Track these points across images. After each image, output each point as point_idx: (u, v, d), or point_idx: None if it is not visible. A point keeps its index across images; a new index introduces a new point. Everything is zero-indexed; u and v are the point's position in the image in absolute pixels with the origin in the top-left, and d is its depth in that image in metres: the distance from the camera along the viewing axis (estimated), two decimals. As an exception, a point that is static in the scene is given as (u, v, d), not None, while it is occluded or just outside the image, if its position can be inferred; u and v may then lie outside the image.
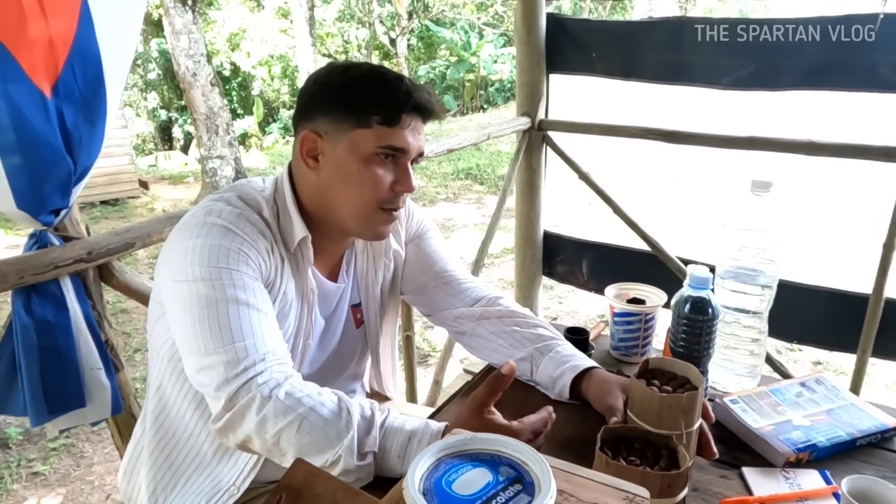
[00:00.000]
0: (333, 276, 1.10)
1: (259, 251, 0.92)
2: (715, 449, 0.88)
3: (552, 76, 2.51)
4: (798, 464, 0.91)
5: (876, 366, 2.80)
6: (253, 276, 0.91)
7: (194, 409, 0.99)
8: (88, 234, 1.28)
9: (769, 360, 2.18)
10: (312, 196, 0.99)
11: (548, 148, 2.56)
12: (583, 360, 1.05)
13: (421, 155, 0.99)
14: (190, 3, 6.49)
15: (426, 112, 0.95)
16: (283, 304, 0.98)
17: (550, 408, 0.92)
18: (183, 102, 11.34)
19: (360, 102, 0.92)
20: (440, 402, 1.16)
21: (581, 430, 0.97)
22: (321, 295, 1.07)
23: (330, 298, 1.10)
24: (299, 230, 0.97)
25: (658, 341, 1.24)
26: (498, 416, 0.87)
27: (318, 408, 0.84)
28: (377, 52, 15.91)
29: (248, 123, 13.42)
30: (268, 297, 0.93)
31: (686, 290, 1.00)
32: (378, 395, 1.34)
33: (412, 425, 0.87)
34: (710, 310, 0.98)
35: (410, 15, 14.85)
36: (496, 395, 0.87)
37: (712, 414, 0.93)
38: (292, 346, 1.03)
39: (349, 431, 0.83)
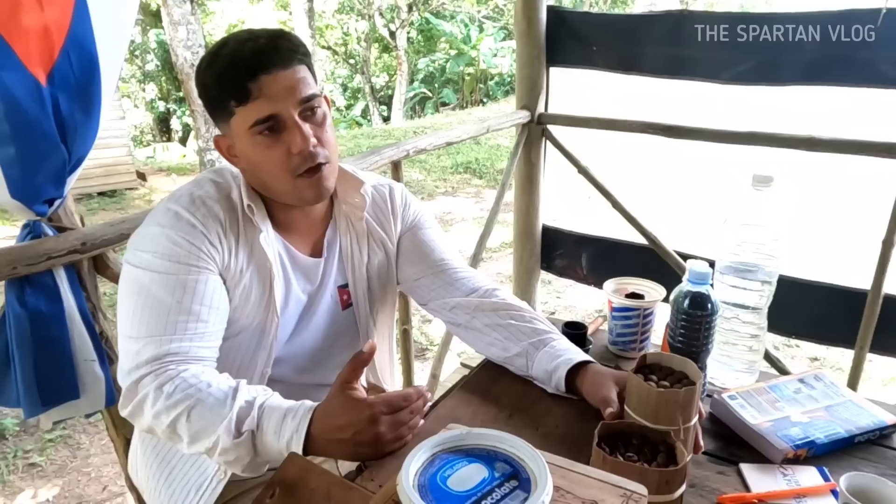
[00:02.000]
0: (317, 254, 1.10)
1: (209, 237, 0.94)
2: (702, 442, 0.88)
3: (552, 70, 2.50)
4: (796, 460, 0.90)
5: (873, 362, 2.80)
6: (203, 267, 0.93)
7: None
8: (83, 224, 1.27)
9: (767, 357, 2.18)
10: (251, 183, 1.01)
11: (547, 142, 2.55)
12: (577, 354, 1.04)
13: (311, 99, 0.93)
14: (188, -7, 6.45)
15: (274, 64, 0.90)
16: (242, 280, 1.00)
17: (423, 387, 0.92)
18: (181, 94, 11.31)
19: (212, 99, 0.94)
20: (437, 395, 1.16)
21: (578, 426, 0.96)
22: (301, 270, 1.07)
23: (311, 274, 1.09)
24: (245, 199, 0.98)
25: (656, 336, 1.23)
26: (357, 392, 0.87)
27: (205, 397, 0.87)
28: (377, 45, 15.86)
29: (247, 115, 13.36)
30: (214, 295, 0.95)
31: (685, 285, 0.99)
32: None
33: (289, 404, 0.89)
34: (709, 305, 0.97)
35: (410, 7, 14.78)
36: (357, 371, 0.88)
37: (703, 411, 0.92)
38: (260, 321, 1.03)
39: (229, 413, 0.85)
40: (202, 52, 6.60)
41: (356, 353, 0.89)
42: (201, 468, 1.00)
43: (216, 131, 1.01)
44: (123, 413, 0.91)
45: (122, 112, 8.09)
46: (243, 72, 0.89)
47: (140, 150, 11.20)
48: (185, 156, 10.47)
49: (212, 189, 0.97)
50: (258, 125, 0.91)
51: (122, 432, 1.38)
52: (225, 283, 0.98)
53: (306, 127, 0.93)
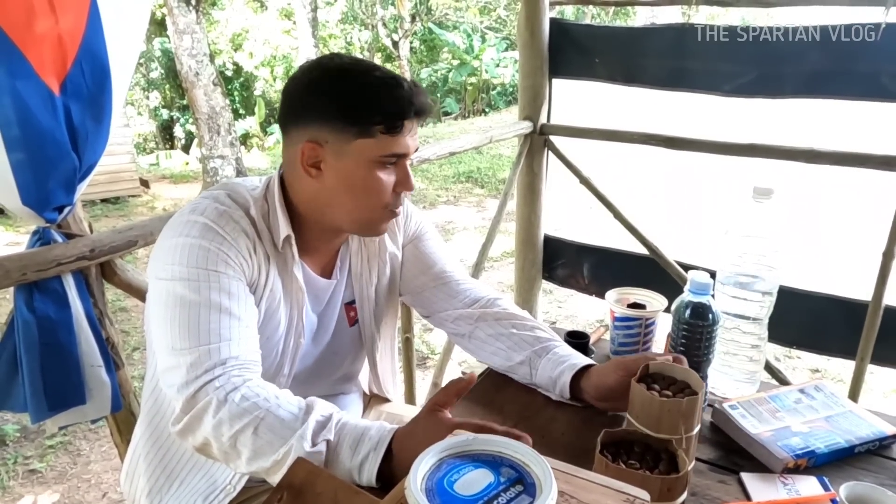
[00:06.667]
0: (327, 273, 1.11)
1: (240, 250, 0.93)
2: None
3: (555, 81, 2.52)
4: (796, 470, 0.91)
5: (874, 374, 2.80)
6: (234, 276, 0.92)
7: None
8: (91, 231, 1.28)
9: (768, 367, 2.19)
10: (309, 200, 0.99)
11: (549, 152, 2.57)
12: (580, 359, 1.05)
13: (415, 151, 1.01)
14: (193, 2, 6.50)
15: (423, 114, 0.97)
16: (271, 301, 0.99)
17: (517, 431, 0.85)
18: (185, 102, 11.35)
19: (362, 113, 0.91)
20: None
21: (583, 434, 0.97)
22: (312, 291, 1.07)
23: (321, 295, 1.10)
24: (284, 229, 0.98)
25: (658, 346, 1.24)
26: (445, 415, 0.84)
27: (276, 409, 0.84)
28: (379, 54, 15.93)
29: (250, 124, 13.45)
30: (248, 300, 0.94)
31: (686, 296, 1.00)
32: (377, 398, 1.35)
33: (367, 423, 0.86)
34: (710, 315, 0.98)
35: (413, 18, 14.87)
36: (451, 397, 0.85)
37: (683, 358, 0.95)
38: (283, 345, 1.03)
39: (303, 425, 0.82)
40: (206, 61, 6.66)
41: (454, 381, 0.86)
42: (210, 478, 1.00)
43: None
44: (176, 429, 0.86)
45: (126, 119, 8.13)
46: (411, 110, 0.93)
47: (143, 158, 11.23)
48: (187, 163, 10.49)
49: (233, 204, 0.96)
50: (391, 156, 0.95)
51: (126, 438, 1.39)
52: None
53: (412, 173, 1.01)
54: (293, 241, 0.99)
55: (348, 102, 0.92)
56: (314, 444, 0.81)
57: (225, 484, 0.99)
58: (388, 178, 0.97)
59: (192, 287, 0.88)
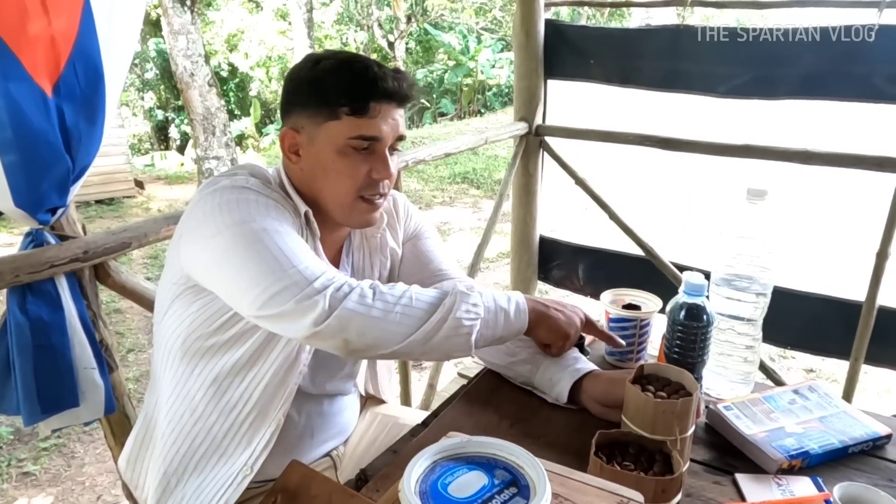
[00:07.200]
0: (335, 265, 1.11)
1: (288, 210, 0.95)
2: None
3: (550, 82, 2.53)
4: (791, 470, 0.91)
5: (868, 374, 2.81)
6: (292, 225, 0.93)
7: (205, 392, 0.98)
8: (85, 233, 1.28)
9: (762, 368, 2.19)
10: (301, 187, 1.02)
11: (545, 153, 2.57)
12: (584, 364, 1.06)
13: (401, 139, 1.00)
14: (188, 3, 6.49)
15: (397, 98, 0.96)
16: None
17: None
18: (180, 102, 11.32)
19: (328, 95, 0.94)
20: (434, 405, 1.16)
21: (579, 436, 0.97)
22: None
23: None
24: (301, 206, 0.99)
25: (653, 347, 1.24)
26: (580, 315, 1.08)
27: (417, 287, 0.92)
28: (375, 55, 15.92)
29: (246, 124, 13.41)
30: None
31: (681, 297, 1.01)
32: (373, 398, 1.34)
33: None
34: (704, 316, 0.98)
35: (409, 18, 14.86)
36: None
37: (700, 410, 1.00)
38: None
39: (453, 285, 0.94)
40: (201, 62, 6.64)
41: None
42: (230, 460, 1.00)
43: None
44: (316, 329, 0.82)
45: (120, 120, 8.09)
46: (375, 91, 0.93)
47: (138, 159, 11.21)
48: (182, 164, 10.47)
49: (261, 180, 0.97)
50: (360, 139, 0.95)
51: (120, 440, 1.38)
52: None
53: (392, 160, 0.99)
54: (312, 216, 1.00)
55: (317, 87, 0.94)
56: (469, 288, 0.92)
57: (242, 466, 0.99)
58: (359, 162, 0.97)
59: (258, 220, 0.87)
